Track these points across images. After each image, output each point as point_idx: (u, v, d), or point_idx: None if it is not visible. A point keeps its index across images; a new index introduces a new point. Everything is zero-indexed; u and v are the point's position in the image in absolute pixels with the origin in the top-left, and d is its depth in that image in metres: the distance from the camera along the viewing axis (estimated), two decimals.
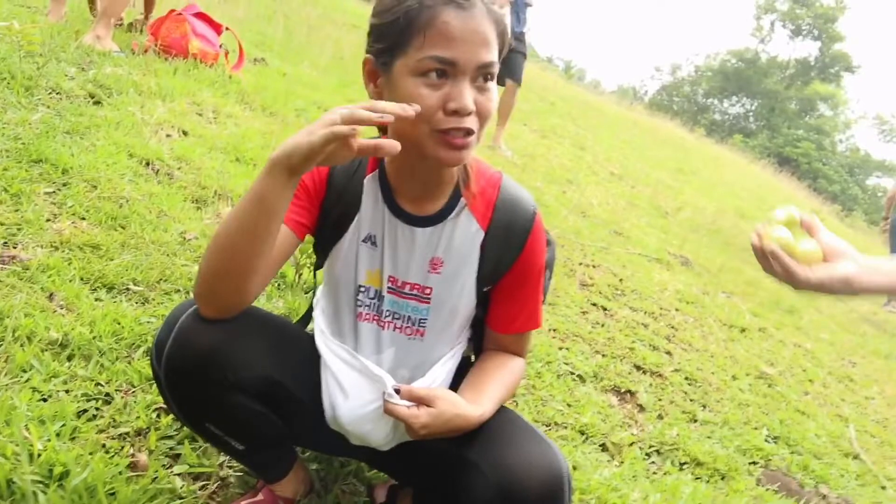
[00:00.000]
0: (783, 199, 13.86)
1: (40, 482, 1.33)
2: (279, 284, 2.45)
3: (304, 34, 7.50)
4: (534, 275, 1.36)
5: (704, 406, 2.95)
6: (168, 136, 3.21)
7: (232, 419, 1.29)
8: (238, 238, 1.13)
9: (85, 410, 1.57)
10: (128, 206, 2.47)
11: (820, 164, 35.13)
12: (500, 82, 5.98)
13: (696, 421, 2.79)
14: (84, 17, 4.59)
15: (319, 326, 1.40)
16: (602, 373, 2.85)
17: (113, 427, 1.57)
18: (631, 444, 2.40)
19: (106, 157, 2.70)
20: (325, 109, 4.63)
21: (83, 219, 2.32)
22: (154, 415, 1.64)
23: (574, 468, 2.09)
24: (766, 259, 1.19)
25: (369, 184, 1.32)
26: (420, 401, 1.19)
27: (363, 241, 1.33)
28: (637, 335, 3.41)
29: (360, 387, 1.31)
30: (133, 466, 1.47)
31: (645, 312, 3.79)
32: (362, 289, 1.35)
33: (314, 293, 1.55)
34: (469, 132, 1.15)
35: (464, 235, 1.32)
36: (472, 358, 1.50)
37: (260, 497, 1.50)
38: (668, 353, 3.36)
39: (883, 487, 2.89)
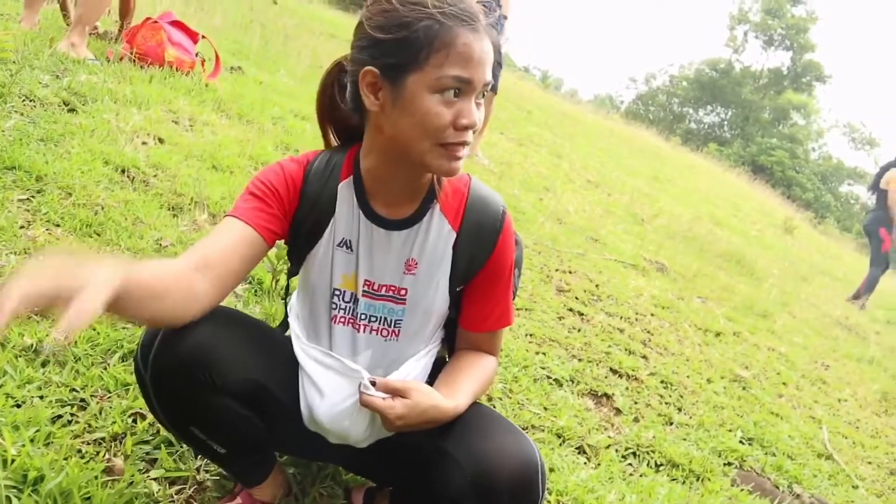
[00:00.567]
0: (757, 207, 14.06)
1: (14, 487, 1.32)
2: (256, 290, 2.45)
3: (281, 43, 7.49)
4: (505, 273, 1.39)
5: (680, 409, 2.98)
6: (144, 143, 3.19)
7: (216, 422, 1.30)
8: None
9: (60, 416, 1.56)
10: (103, 214, 2.46)
11: (793, 173, 35.59)
12: None
13: (671, 423, 2.82)
14: (58, 24, 4.55)
15: (295, 331, 1.41)
16: (578, 377, 2.87)
17: (88, 432, 1.56)
18: (607, 447, 2.43)
19: (81, 165, 2.68)
20: (301, 118, 4.65)
21: (58, 226, 2.30)
22: (130, 420, 1.63)
23: (551, 470, 2.10)
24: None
25: (344, 189, 1.33)
26: (395, 392, 1.21)
27: (338, 245, 1.34)
28: (613, 340, 3.44)
29: (335, 384, 1.32)
30: (109, 471, 1.46)
31: (621, 317, 3.82)
32: (337, 292, 1.36)
33: (286, 300, 1.56)
34: (466, 143, 1.20)
35: (437, 236, 1.34)
36: (447, 358, 1.52)
37: (238, 501, 1.50)
38: (644, 357, 3.40)
39: (855, 487, 2.95)
